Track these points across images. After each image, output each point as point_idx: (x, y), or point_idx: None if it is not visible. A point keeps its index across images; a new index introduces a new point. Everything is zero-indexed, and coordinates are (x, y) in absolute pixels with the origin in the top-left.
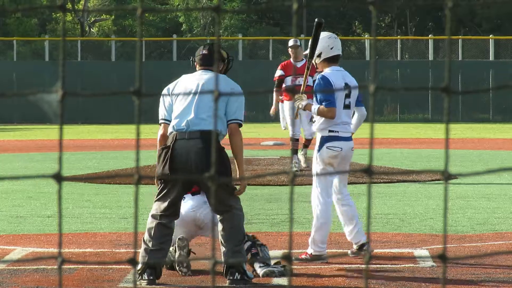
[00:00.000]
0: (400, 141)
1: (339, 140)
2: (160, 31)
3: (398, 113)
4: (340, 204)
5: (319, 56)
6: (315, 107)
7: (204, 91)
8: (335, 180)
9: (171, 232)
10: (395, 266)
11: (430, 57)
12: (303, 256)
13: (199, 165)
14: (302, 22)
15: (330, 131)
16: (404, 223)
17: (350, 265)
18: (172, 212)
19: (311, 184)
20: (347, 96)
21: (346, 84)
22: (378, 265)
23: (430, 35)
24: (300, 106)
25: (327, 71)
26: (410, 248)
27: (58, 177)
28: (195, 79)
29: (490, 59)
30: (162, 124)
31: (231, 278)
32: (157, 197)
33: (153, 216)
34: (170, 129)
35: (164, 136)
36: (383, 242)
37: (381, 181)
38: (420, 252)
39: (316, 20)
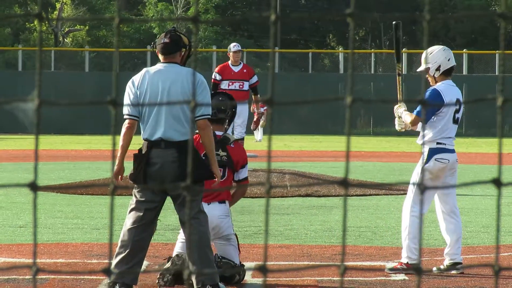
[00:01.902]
0: (373, 154)
1: (446, 152)
2: (134, 42)
3: (371, 126)
4: (449, 217)
5: (438, 69)
6: (407, 115)
7: (175, 95)
8: (442, 194)
9: (146, 242)
10: (367, 279)
11: (404, 71)
12: (399, 266)
13: (175, 174)
14: (277, 35)
15: (438, 143)
16: (376, 236)
17: (322, 278)
18: (146, 222)
19: (283, 196)
20: (457, 111)
21: (457, 99)
22: (350, 278)
23: (404, 49)
24: (400, 114)
25: (440, 85)
26: (382, 261)
27: (34, 186)
28: (162, 78)
29: (464, 73)
30: (127, 120)
31: None
32: (131, 207)
33: (127, 227)
34: (143, 136)
35: (130, 130)
36: (355, 255)
37: (354, 194)
38: (392, 265)
39: (393, 22)
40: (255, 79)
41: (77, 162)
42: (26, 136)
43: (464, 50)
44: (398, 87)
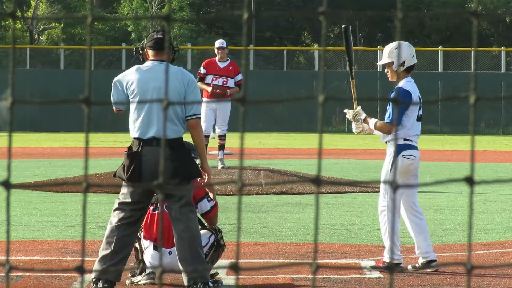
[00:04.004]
0: (348, 152)
1: (413, 148)
2: (109, 40)
3: (346, 124)
4: (413, 216)
5: (402, 65)
6: (373, 121)
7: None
8: (404, 194)
9: (131, 240)
10: (342, 276)
11: (379, 68)
12: (381, 265)
13: (168, 172)
14: (251, 33)
15: (405, 139)
16: (351, 234)
17: (297, 276)
18: (132, 220)
19: (258, 194)
20: (419, 108)
21: (419, 97)
22: (324, 276)
23: (379, 46)
24: (360, 120)
25: (403, 83)
26: (357, 259)
27: (7, 185)
28: (152, 76)
29: (439, 70)
30: (115, 109)
31: (194, 287)
32: (117, 205)
33: (112, 224)
34: (133, 134)
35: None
36: (330, 252)
37: (329, 191)
38: (367, 263)
39: (343, 26)
40: (240, 77)
41: (53, 159)
42: (0, 133)
43: (440, 47)
44: (352, 91)
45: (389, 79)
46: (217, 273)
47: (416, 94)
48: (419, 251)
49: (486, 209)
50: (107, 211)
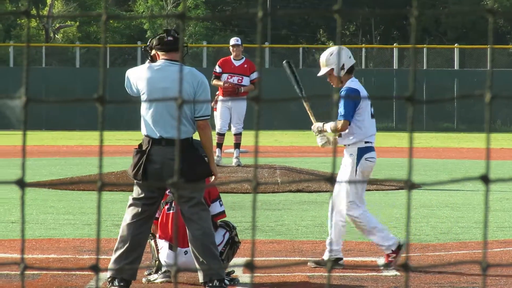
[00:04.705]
0: None
1: (373, 150)
2: (125, 38)
3: None
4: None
5: (342, 68)
6: (329, 125)
7: (176, 94)
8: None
9: (145, 237)
10: (358, 274)
11: (395, 66)
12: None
13: (173, 173)
14: (267, 30)
15: (366, 142)
16: None
17: (313, 273)
18: (145, 216)
19: (274, 192)
20: (370, 106)
21: (367, 95)
22: (341, 274)
23: (395, 44)
24: (320, 128)
25: (349, 84)
26: (373, 256)
27: (21, 183)
28: (162, 76)
29: (455, 68)
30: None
31: (210, 284)
32: (130, 202)
33: (126, 222)
34: (143, 132)
35: None
36: (346, 250)
37: None
38: (383, 261)
39: (283, 62)
40: (255, 75)
41: (68, 158)
42: (17, 132)
43: (456, 44)
44: (308, 112)
45: (334, 86)
46: (234, 271)
47: (363, 92)
48: (334, 247)
49: (503, 207)
50: (123, 209)
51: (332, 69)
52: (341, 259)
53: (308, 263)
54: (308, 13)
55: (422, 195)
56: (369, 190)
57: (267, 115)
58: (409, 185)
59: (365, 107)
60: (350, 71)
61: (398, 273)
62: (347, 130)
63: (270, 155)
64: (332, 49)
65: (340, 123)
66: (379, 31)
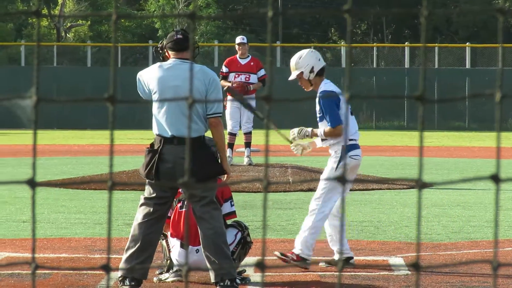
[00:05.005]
0: (375, 149)
1: (358, 148)
2: (136, 37)
3: (373, 120)
4: (332, 215)
5: (312, 71)
6: (320, 131)
7: (187, 92)
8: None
9: (157, 237)
10: (370, 274)
11: (406, 65)
12: (289, 255)
13: (185, 172)
14: (278, 29)
15: (350, 139)
16: (379, 231)
17: (324, 273)
18: (157, 216)
19: (286, 191)
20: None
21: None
22: (352, 273)
23: (406, 43)
24: (308, 133)
25: (323, 86)
26: (385, 256)
27: (32, 183)
28: (173, 74)
29: (467, 67)
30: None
31: (221, 284)
32: (141, 201)
33: (138, 221)
34: (155, 131)
35: None
36: (357, 249)
37: (356, 188)
38: (394, 260)
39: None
40: (262, 72)
41: (80, 157)
42: (28, 131)
43: (467, 43)
44: (279, 134)
45: (305, 90)
46: (245, 270)
47: (339, 91)
48: (339, 248)
49: None
50: (134, 209)
51: (302, 72)
52: (352, 258)
53: (320, 263)
54: (318, 13)
55: (434, 194)
56: (380, 189)
57: (278, 114)
58: (420, 185)
59: (344, 106)
60: (321, 74)
61: (409, 272)
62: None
63: (281, 154)
64: (302, 52)
65: (335, 129)
66: (390, 30)
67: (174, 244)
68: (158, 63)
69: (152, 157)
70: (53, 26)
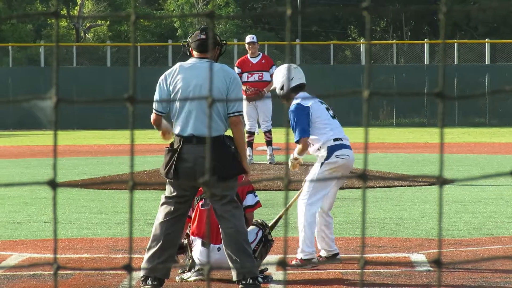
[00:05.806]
0: (396, 146)
1: (345, 148)
2: (156, 37)
3: (394, 117)
4: (326, 215)
5: (282, 89)
6: (294, 151)
7: (206, 90)
8: (332, 190)
9: (178, 236)
10: (392, 270)
11: (426, 61)
12: (294, 262)
13: (205, 171)
14: (297, 28)
15: (335, 139)
16: (400, 228)
17: (346, 270)
18: (178, 215)
19: None
20: (328, 109)
21: (320, 101)
22: (374, 270)
23: (425, 39)
24: (292, 160)
25: (294, 101)
26: (406, 252)
27: (53, 184)
28: (194, 73)
29: (486, 63)
30: (154, 113)
31: (243, 282)
32: (162, 200)
33: (159, 220)
34: (175, 131)
35: (156, 122)
36: (379, 246)
37: (377, 185)
38: (416, 257)
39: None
40: (274, 68)
41: (100, 157)
42: (48, 131)
43: (487, 39)
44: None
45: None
46: (267, 269)
47: (309, 100)
48: (324, 246)
49: None
50: (155, 208)
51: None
52: (338, 253)
53: (312, 259)
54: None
55: (455, 190)
56: (401, 186)
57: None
58: (441, 181)
59: (319, 114)
60: (297, 90)
61: (431, 269)
62: (311, 144)
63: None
64: (279, 68)
65: (299, 144)
66: (410, 26)
67: (196, 242)
68: (178, 64)
69: (172, 157)
70: (72, 26)
